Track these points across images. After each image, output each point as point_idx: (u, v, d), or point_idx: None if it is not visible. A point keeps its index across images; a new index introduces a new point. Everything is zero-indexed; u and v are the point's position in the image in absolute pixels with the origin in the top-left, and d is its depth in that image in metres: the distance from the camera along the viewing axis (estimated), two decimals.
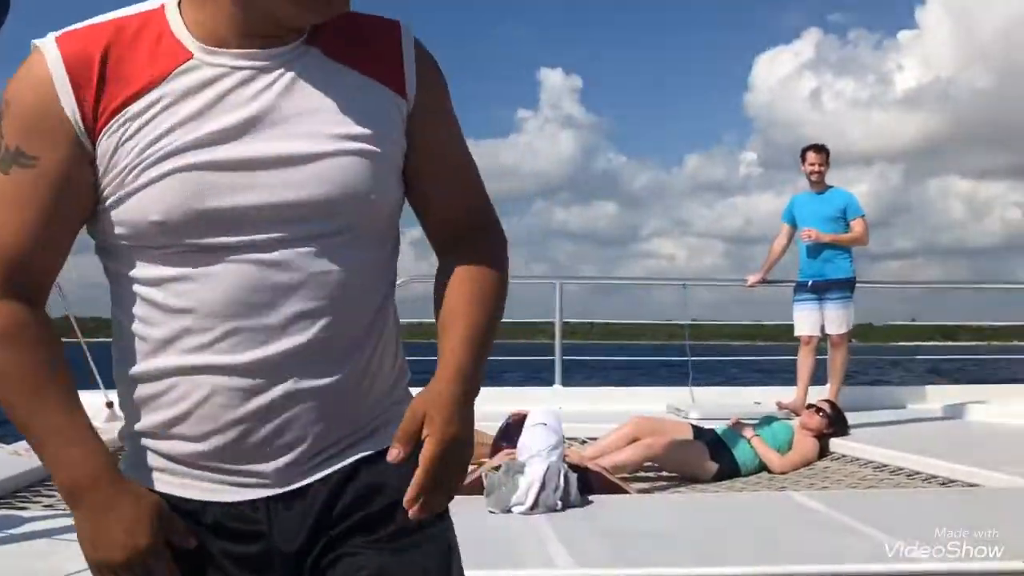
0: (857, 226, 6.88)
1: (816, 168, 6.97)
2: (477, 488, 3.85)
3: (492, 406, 6.20)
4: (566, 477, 3.74)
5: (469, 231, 1.27)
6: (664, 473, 5.13)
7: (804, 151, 7.13)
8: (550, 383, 7.98)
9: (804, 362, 7.03)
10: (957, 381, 10.45)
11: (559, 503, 3.64)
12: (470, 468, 5.32)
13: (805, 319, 7.01)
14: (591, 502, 3.83)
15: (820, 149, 7.08)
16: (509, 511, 3.59)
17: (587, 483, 4.05)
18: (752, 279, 7.69)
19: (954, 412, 7.12)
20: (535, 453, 3.84)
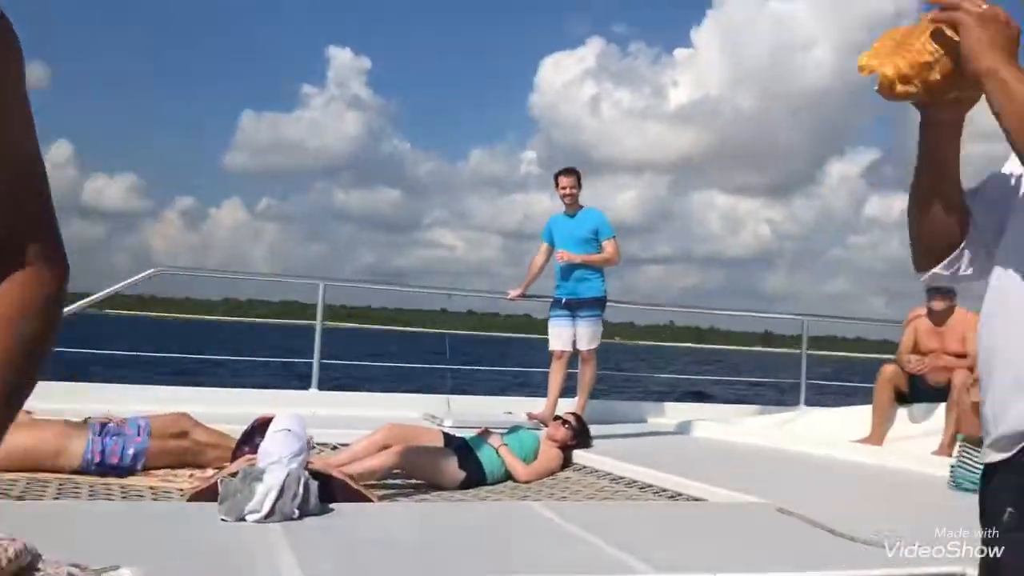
0: (608, 247, 7.27)
1: (568, 191, 7.30)
2: (213, 495, 3.71)
3: (243, 408, 6.06)
4: (306, 485, 3.67)
5: (13, 249, 0.97)
6: (412, 481, 5.14)
7: (556, 175, 7.46)
8: (307, 386, 7.84)
9: (555, 375, 7.31)
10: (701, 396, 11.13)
11: (296, 512, 3.56)
12: (208, 473, 5.12)
13: (559, 335, 7.32)
14: (331, 511, 3.77)
15: (571, 172, 7.41)
16: (243, 519, 3.48)
17: (329, 491, 3.98)
18: (513, 293, 7.96)
19: (689, 429, 7.58)
20: (276, 459, 3.73)
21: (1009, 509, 1.49)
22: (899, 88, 1.53)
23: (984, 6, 1.48)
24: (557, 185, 7.39)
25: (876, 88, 1.54)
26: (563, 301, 7.28)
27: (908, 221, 1.76)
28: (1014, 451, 1.49)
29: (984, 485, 1.60)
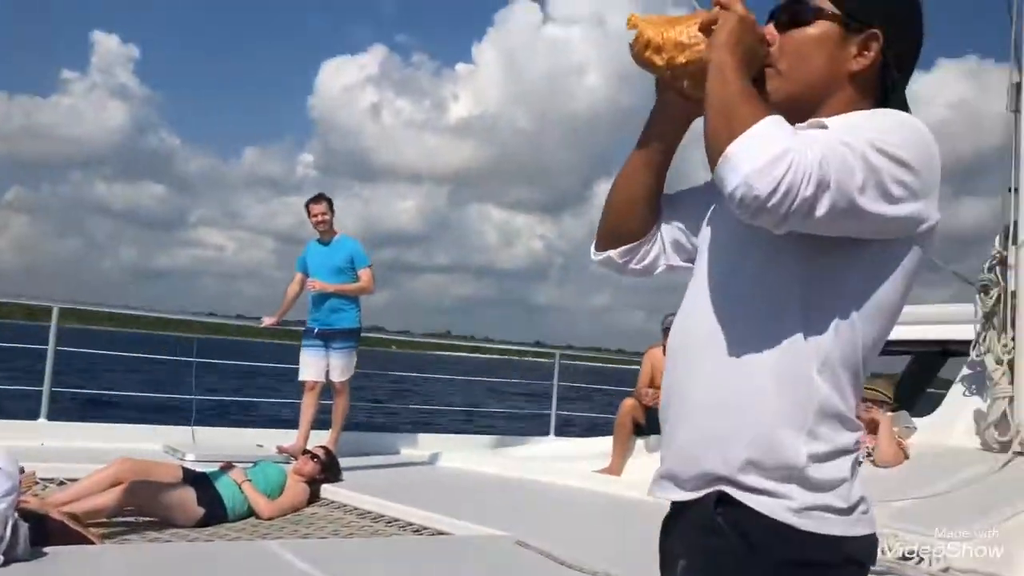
0: (363, 276, 7.23)
1: (321, 218, 7.21)
2: None
3: None
4: (15, 527, 3.38)
5: None
6: (144, 519, 4.86)
7: (307, 204, 7.36)
8: (36, 416, 7.27)
9: (307, 407, 7.16)
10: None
11: (1, 557, 3.27)
12: None
13: (310, 364, 7.17)
14: (44, 555, 3.49)
15: (321, 199, 7.33)
16: None
17: (44, 533, 3.69)
18: (267, 321, 7.77)
19: (440, 460, 7.63)
20: None
21: (682, 561, 1.54)
22: (647, 53, 1.60)
23: (748, 14, 1.54)
24: (309, 213, 7.28)
25: (630, 44, 1.62)
26: (315, 331, 7.16)
27: (606, 199, 1.80)
28: (699, 494, 1.53)
29: (664, 533, 1.66)
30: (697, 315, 1.61)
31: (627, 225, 1.77)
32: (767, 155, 1.33)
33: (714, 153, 1.40)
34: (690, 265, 1.75)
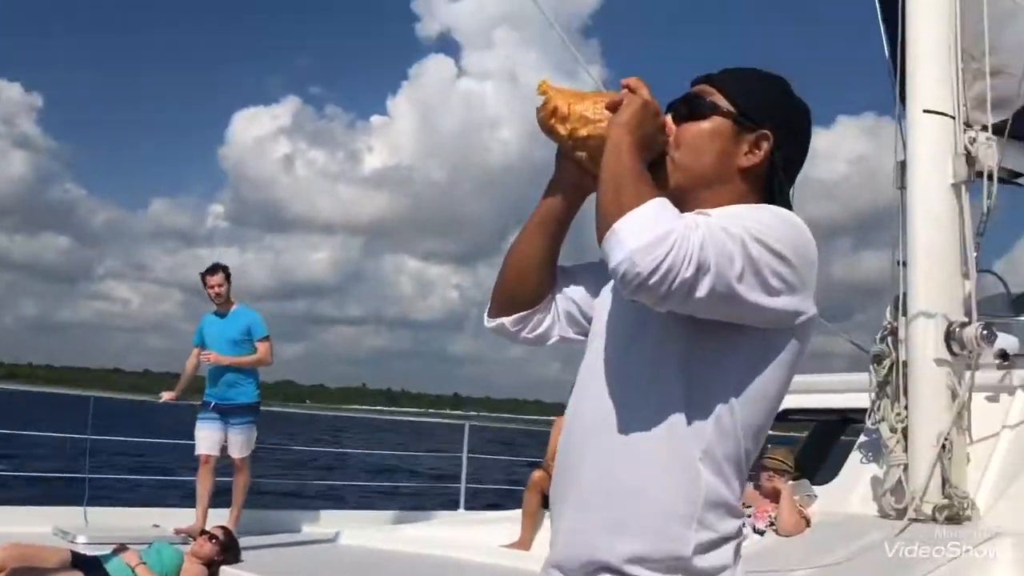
0: (261, 348, 7.07)
1: (218, 290, 7.06)
2: None
3: None
4: None
5: None
6: None
7: (203, 275, 7.20)
8: None
9: (203, 483, 6.90)
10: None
11: None
12: None
13: (206, 438, 6.94)
14: None
15: (217, 270, 7.16)
16: None
17: None
18: (166, 396, 7.54)
19: (344, 537, 7.43)
20: None
21: None
22: (552, 121, 1.66)
23: (652, 101, 1.61)
24: (205, 284, 7.12)
25: (538, 109, 1.67)
26: (212, 405, 6.97)
27: (501, 266, 1.82)
28: None
29: None
30: (589, 397, 1.63)
31: (521, 293, 1.78)
32: (651, 235, 1.37)
33: (602, 228, 1.44)
34: (583, 338, 1.77)
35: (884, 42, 4.47)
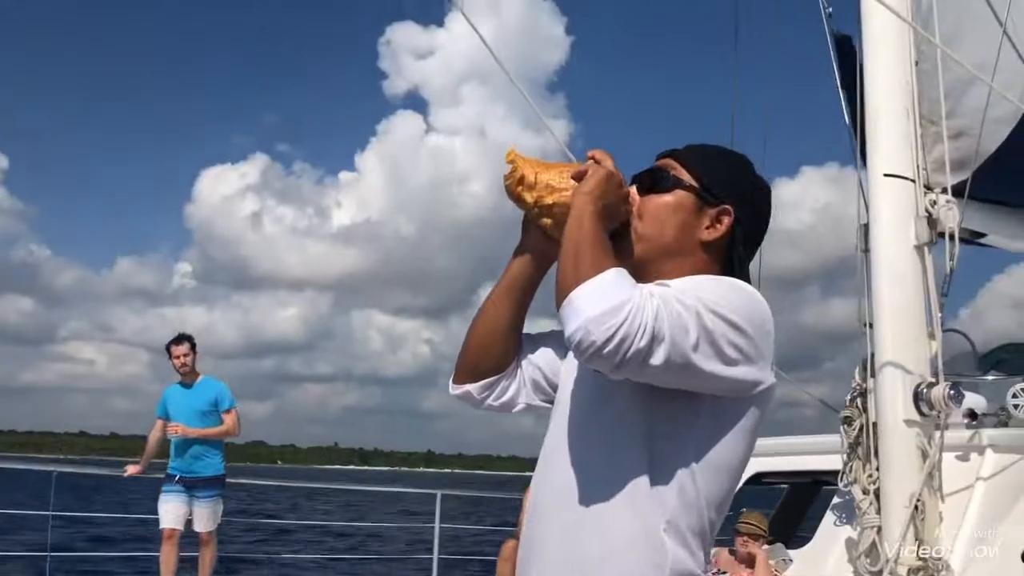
0: (228, 419, 7.00)
1: (183, 360, 7.00)
2: None
3: None
4: None
5: None
6: None
7: (168, 345, 7.14)
8: None
9: (167, 557, 6.78)
10: None
11: None
12: None
13: (171, 511, 6.84)
14: None
15: (182, 340, 7.11)
16: None
17: None
18: (131, 470, 7.42)
19: None
20: None
21: None
22: (518, 188, 1.71)
23: (617, 173, 1.65)
24: (170, 355, 7.05)
25: (505, 176, 1.72)
26: (177, 478, 6.85)
27: (467, 333, 1.84)
28: None
29: None
30: (553, 469, 1.66)
31: (487, 359, 1.80)
32: (606, 304, 1.40)
33: (560, 295, 1.47)
34: (548, 406, 1.78)
35: (844, 107, 4.56)
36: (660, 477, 1.54)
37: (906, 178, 4.16)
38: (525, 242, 1.80)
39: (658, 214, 1.70)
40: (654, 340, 1.39)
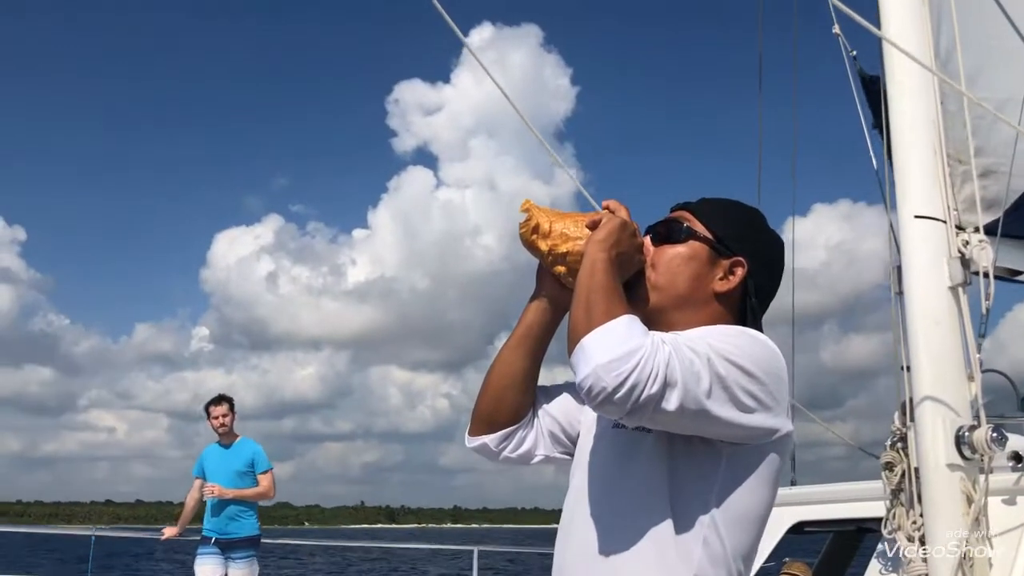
0: (264, 480, 7.01)
1: (222, 421, 7.05)
2: None
3: None
4: None
5: None
6: None
7: (207, 406, 7.18)
8: None
9: None
10: None
11: None
12: None
13: (207, 573, 6.82)
14: None
15: (222, 400, 7.18)
16: None
17: None
18: (168, 532, 7.45)
19: None
20: None
21: None
22: (533, 237, 1.73)
23: (631, 223, 1.67)
24: (209, 416, 7.09)
25: (520, 224, 1.74)
26: (212, 540, 6.84)
27: (482, 383, 1.85)
28: None
29: None
30: (576, 526, 1.65)
31: (503, 409, 1.81)
32: (618, 351, 1.40)
33: (572, 341, 1.48)
34: (567, 458, 1.78)
35: (870, 149, 4.55)
36: (684, 531, 1.53)
37: (937, 219, 4.13)
38: (540, 290, 1.82)
39: (672, 264, 1.72)
40: (666, 386, 1.40)
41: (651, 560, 1.53)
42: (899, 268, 4.30)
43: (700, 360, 1.46)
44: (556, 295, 1.78)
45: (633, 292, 1.66)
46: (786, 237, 1.92)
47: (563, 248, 1.70)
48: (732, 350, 1.51)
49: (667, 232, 1.74)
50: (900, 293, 4.28)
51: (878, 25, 4.10)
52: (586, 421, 1.78)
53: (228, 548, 6.86)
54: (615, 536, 1.56)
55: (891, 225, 4.40)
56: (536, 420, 1.83)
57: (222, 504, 6.89)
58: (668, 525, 1.53)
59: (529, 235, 1.73)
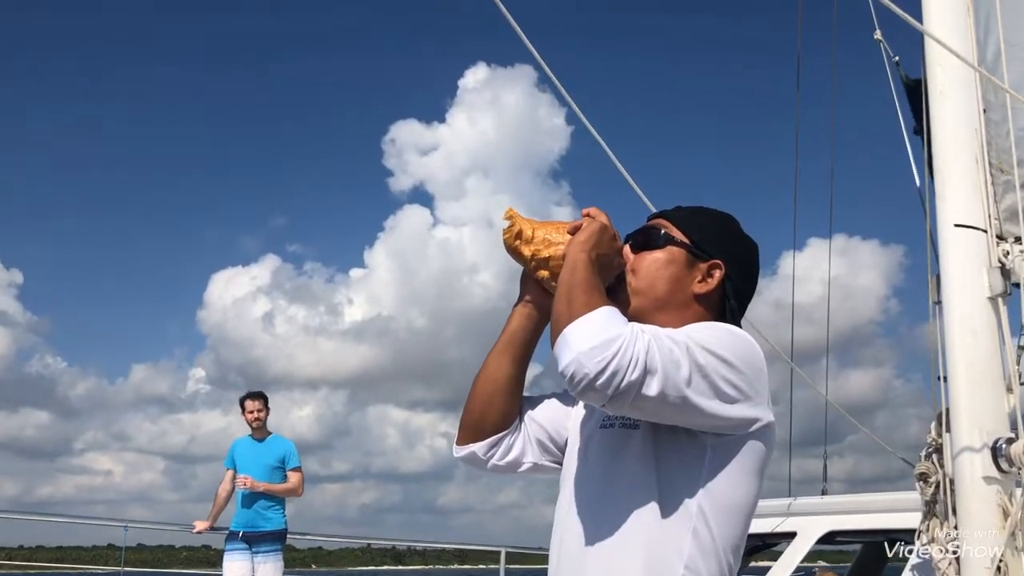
0: (293, 477, 7.09)
1: (256, 415, 7.14)
2: None
3: None
4: None
5: None
6: None
7: (242, 399, 7.30)
8: None
9: None
10: None
11: None
12: None
13: (235, 570, 6.91)
14: None
15: (257, 396, 7.28)
16: None
17: None
18: (200, 526, 7.52)
19: None
20: None
21: None
22: (516, 242, 1.78)
23: (610, 227, 1.72)
24: (244, 409, 7.19)
25: (504, 231, 1.80)
26: (240, 534, 6.92)
27: (469, 392, 1.87)
28: None
29: None
30: (570, 526, 1.67)
31: (490, 416, 1.85)
32: (598, 338, 1.45)
33: (554, 332, 1.53)
34: (556, 467, 1.83)
35: (910, 156, 4.51)
36: (674, 523, 1.57)
37: (978, 228, 4.08)
38: (523, 296, 1.86)
39: (651, 269, 1.77)
40: (647, 372, 1.44)
41: (642, 553, 1.56)
42: (938, 277, 4.26)
43: (679, 349, 1.50)
44: (539, 301, 1.83)
45: (614, 297, 1.69)
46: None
47: (545, 253, 1.75)
48: (711, 340, 1.56)
49: (645, 239, 1.80)
50: (938, 302, 4.24)
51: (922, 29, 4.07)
52: (573, 429, 1.83)
53: (255, 542, 6.93)
54: (607, 530, 1.60)
55: (929, 234, 4.36)
56: (523, 427, 1.88)
57: (252, 497, 6.97)
58: (658, 518, 1.57)
59: (512, 241, 1.78)
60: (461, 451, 1.85)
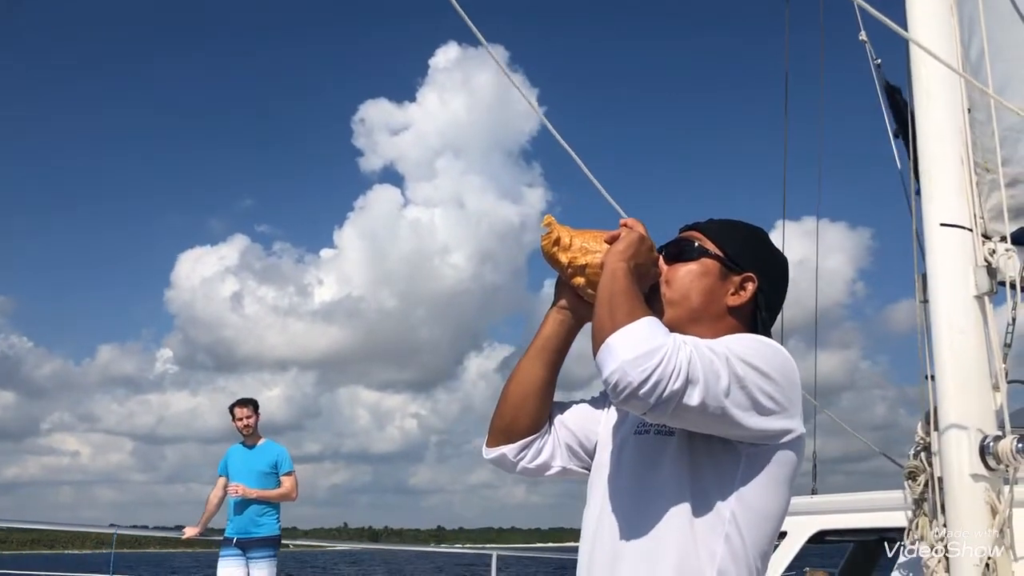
0: (286, 482, 7.08)
1: (246, 422, 7.13)
2: None
3: None
4: None
5: None
6: None
7: (232, 407, 7.26)
8: None
9: None
10: None
11: None
12: None
13: (229, 575, 6.87)
14: None
15: (247, 403, 7.27)
16: None
17: None
18: (189, 531, 7.52)
19: None
20: None
21: None
22: (553, 248, 1.81)
23: (648, 238, 1.75)
24: (233, 417, 7.17)
25: (542, 237, 1.82)
26: (234, 540, 6.91)
27: (500, 395, 1.90)
28: None
29: None
30: (604, 529, 1.69)
31: (521, 419, 1.86)
32: (642, 348, 1.47)
33: (597, 341, 1.55)
34: (584, 472, 1.84)
35: (895, 157, 4.53)
36: (707, 528, 1.60)
37: (964, 227, 4.11)
38: (558, 302, 1.88)
39: (686, 280, 1.79)
40: (688, 382, 1.46)
41: (675, 556, 1.59)
42: (924, 276, 4.28)
43: (719, 360, 1.53)
44: (574, 307, 1.85)
45: (649, 307, 1.71)
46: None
47: (582, 260, 1.77)
48: (749, 352, 1.59)
49: (679, 251, 1.83)
50: (925, 301, 4.26)
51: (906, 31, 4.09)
52: (604, 435, 1.85)
53: (248, 548, 6.93)
54: (641, 531, 1.62)
55: (915, 233, 4.38)
56: (553, 432, 1.90)
57: (245, 504, 6.98)
58: (692, 523, 1.60)
59: (550, 248, 1.80)
60: (491, 453, 1.87)
